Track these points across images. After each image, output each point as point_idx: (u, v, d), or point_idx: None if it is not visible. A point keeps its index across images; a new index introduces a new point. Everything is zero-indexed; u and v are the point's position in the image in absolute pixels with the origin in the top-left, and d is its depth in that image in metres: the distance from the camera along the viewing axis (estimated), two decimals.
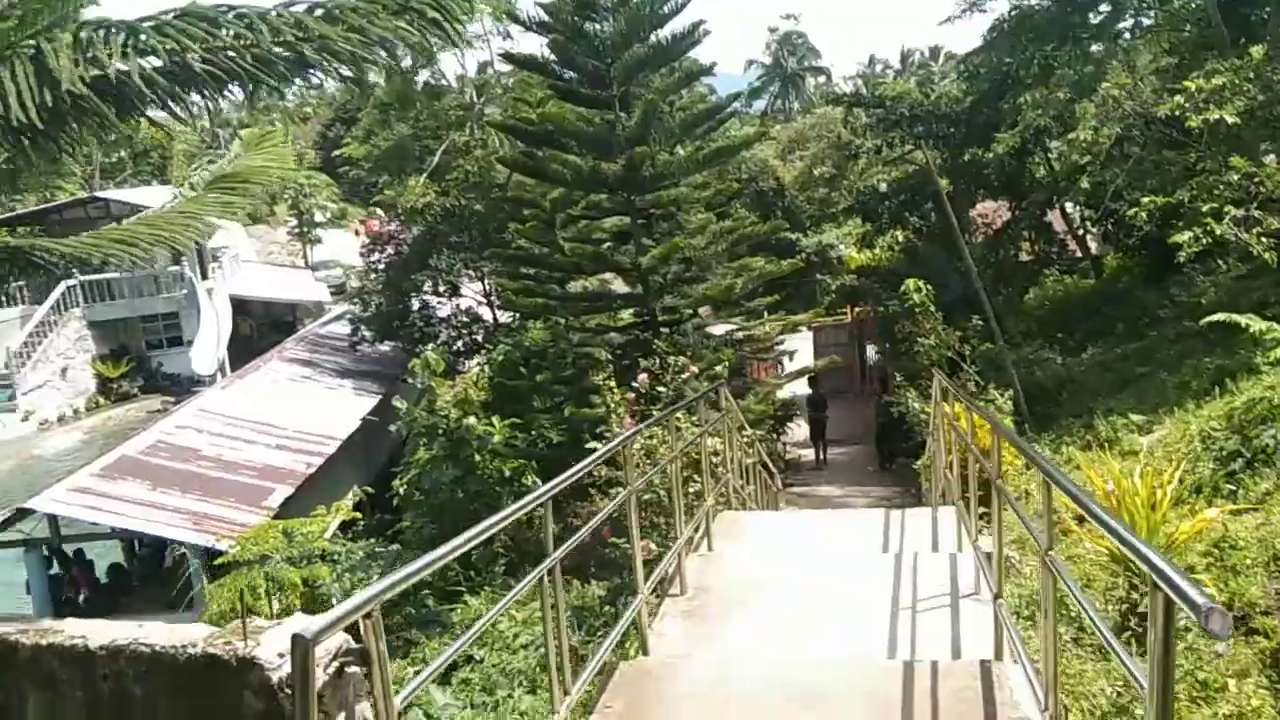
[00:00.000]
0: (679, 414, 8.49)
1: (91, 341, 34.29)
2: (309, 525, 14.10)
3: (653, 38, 15.18)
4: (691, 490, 9.10)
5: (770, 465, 13.01)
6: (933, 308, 14.31)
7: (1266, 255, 12.51)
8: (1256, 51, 14.01)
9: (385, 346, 26.60)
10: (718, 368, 14.23)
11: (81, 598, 16.81)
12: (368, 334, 25.95)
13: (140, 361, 35.25)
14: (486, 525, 3.63)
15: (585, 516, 14.74)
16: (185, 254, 36.52)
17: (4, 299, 32.94)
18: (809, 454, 21.83)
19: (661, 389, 10.05)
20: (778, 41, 73.85)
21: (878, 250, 24.67)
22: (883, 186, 24.10)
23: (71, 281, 33.13)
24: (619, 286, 17.67)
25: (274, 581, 12.72)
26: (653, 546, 8.94)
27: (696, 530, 7.12)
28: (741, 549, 7.07)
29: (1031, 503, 11.02)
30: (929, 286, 14.46)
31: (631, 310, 16.18)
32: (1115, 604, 7.45)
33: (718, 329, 17.91)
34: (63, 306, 33.44)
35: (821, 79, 72.34)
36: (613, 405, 9.65)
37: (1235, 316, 10.87)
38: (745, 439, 10.41)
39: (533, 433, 16.17)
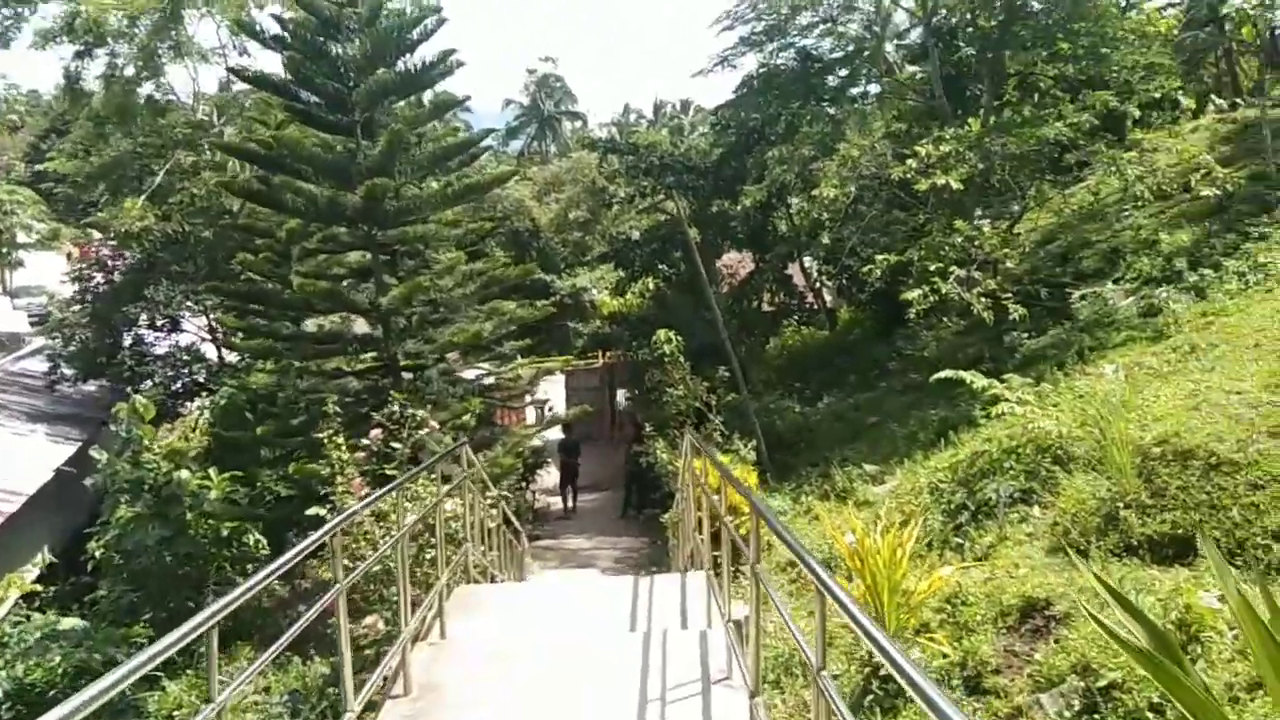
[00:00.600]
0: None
1: None
2: None
3: (400, 64, 14.33)
4: (427, 558, 8.31)
5: (516, 522, 12.36)
6: (681, 358, 14.29)
7: (985, 314, 13.36)
8: (974, 124, 15.12)
9: (90, 386, 23.61)
10: (464, 417, 13.45)
11: None
12: (68, 372, 22.94)
13: None
14: (166, 645, 3.02)
15: (313, 580, 13.47)
16: None
17: None
18: (559, 501, 21.36)
19: (397, 445, 9.19)
20: (535, 83, 74.29)
21: (629, 297, 24.82)
22: (635, 234, 24.31)
23: None
24: (364, 328, 16.53)
25: None
26: (381, 626, 8.05)
27: (428, 612, 6.35)
28: (477, 634, 6.36)
29: (774, 555, 11.02)
30: (678, 337, 14.45)
31: (372, 354, 15.10)
32: (858, 664, 7.40)
33: (468, 373, 17.13)
34: None
35: (578, 124, 73.32)
36: (337, 465, 8.68)
37: (960, 374, 11.42)
38: (489, 499, 9.71)
39: (258, 487, 14.71)
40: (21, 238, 47.10)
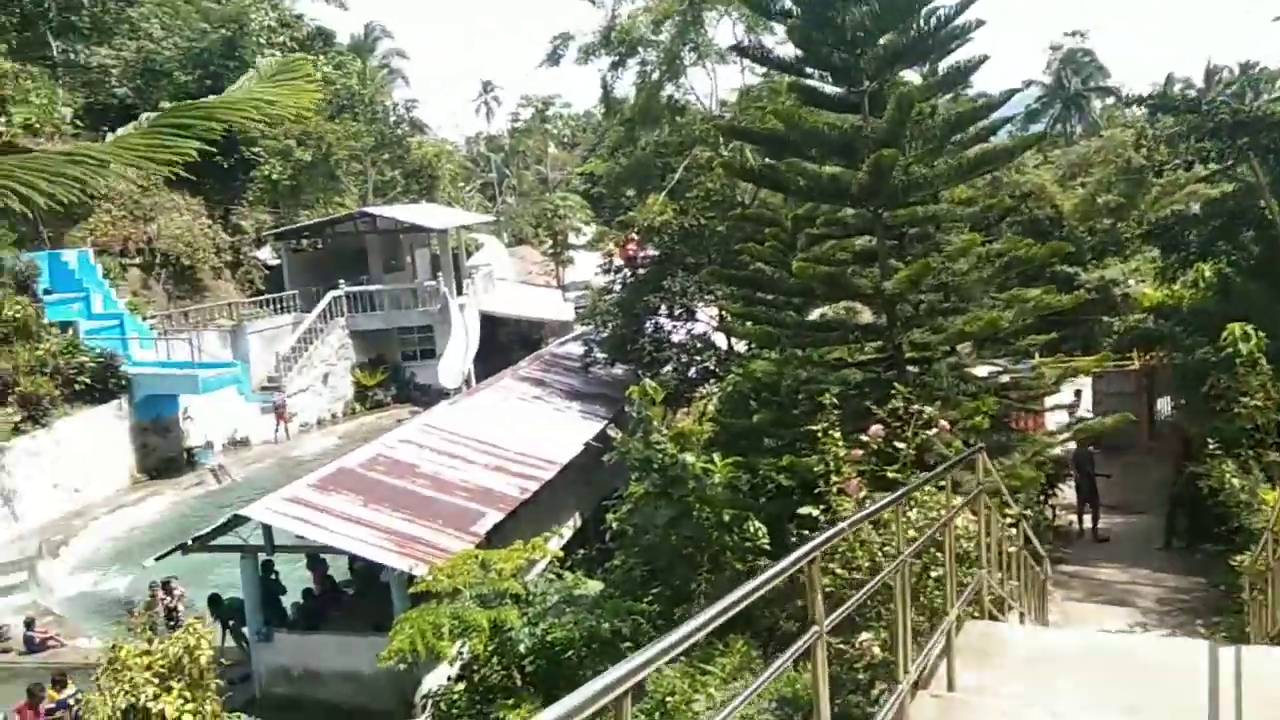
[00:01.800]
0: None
1: (352, 350, 35.90)
2: (509, 559, 13.11)
3: (912, 29, 13.09)
4: (931, 579, 7.07)
5: (1038, 544, 10.54)
6: (1262, 359, 11.34)
7: None
8: None
9: (618, 370, 25.86)
10: (976, 418, 11.88)
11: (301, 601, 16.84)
12: (600, 356, 25.33)
13: (395, 371, 36.57)
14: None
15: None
16: (441, 270, 37.90)
17: (280, 306, 35.27)
18: (1082, 521, 18.60)
19: (900, 445, 8.06)
20: (1060, 59, 68.12)
21: (1178, 287, 21.00)
22: (1194, 208, 20.40)
23: (338, 292, 34.92)
24: (869, 318, 15.62)
25: (460, 621, 11.77)
26: (877, 650, 6.99)
27: (933, 651, 5.13)
28: (992, 692, 5.00)
29: None
30: (1258, 334, 11.50)
31: (875, 345, 14.11)
32: None
33: (979, 370, 15.39)
34: (329, 315, 35.17)
35: (1109, 100, 65.81)
36: (832, 462, 7.80)
37: None
38: (1009, 516, 8.18)
39: (759, 475, 14.46)
40: (572, 239, 53.80)
